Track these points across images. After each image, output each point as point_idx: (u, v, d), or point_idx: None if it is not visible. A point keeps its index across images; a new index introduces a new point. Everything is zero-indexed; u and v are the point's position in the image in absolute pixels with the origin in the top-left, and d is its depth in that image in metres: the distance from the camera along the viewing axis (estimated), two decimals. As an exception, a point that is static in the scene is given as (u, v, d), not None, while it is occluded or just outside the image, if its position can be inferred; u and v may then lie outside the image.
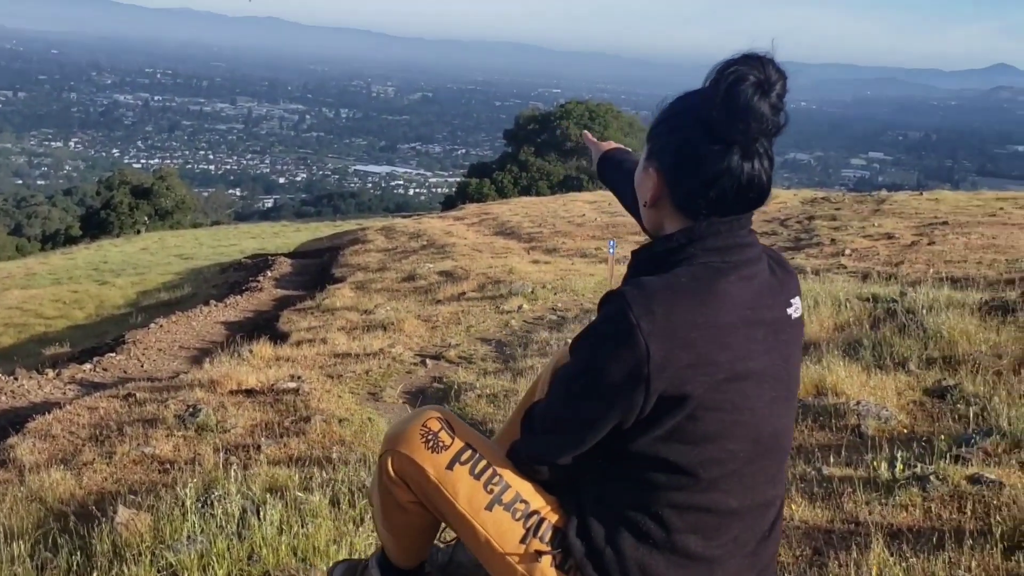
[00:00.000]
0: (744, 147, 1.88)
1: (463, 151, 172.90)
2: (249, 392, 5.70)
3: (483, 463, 2.06)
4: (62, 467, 4.43)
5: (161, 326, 11.93)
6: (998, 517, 3.01)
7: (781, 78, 1.86)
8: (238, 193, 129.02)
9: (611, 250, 9.38)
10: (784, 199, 21.90)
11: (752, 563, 1.99)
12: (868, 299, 6.56)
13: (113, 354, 9.83)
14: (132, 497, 3.73)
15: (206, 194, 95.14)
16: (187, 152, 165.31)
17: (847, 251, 12.24)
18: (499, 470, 2.06)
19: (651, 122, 2.01)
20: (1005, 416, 3.92)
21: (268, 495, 3.46)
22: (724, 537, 1.94)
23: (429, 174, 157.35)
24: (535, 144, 49.85)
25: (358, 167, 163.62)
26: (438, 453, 2.08)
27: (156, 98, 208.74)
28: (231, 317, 13.66)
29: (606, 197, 26.54)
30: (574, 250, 16.50)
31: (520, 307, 10.00)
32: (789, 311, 1.99)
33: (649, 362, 1.80)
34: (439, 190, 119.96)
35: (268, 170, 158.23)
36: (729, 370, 1.86)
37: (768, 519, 2.02)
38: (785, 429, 2.03)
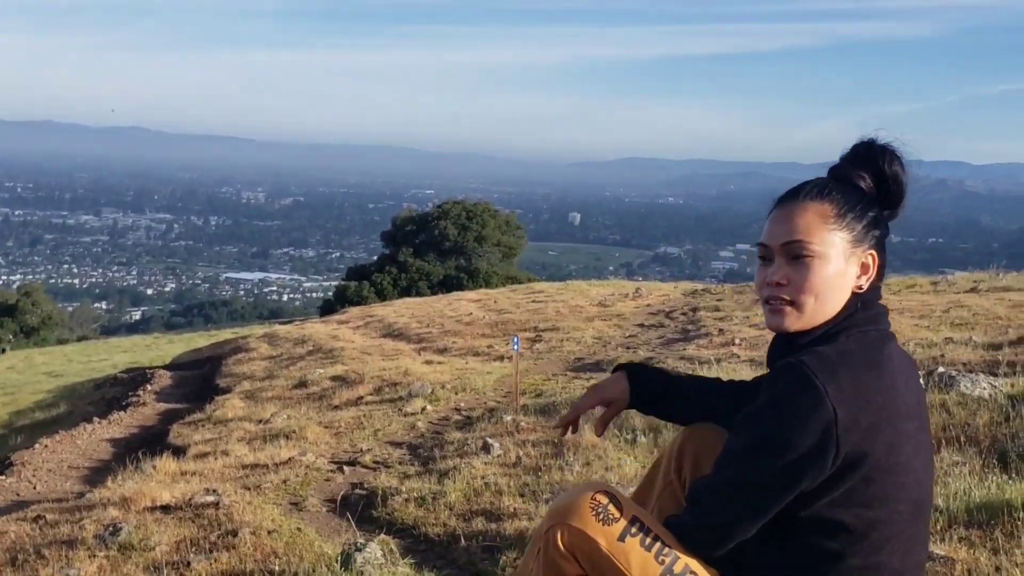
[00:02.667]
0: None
1: (338, 254, 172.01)
2: (165, 508, 5.52)
3: (652, 535, 2.12)
4: (-16, 596, 4.22)
5: (46, 446, 11.46)
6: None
7: None
8: (104, 306, 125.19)
9: (515, 347, 9.46)
10: (666, 291, 22.40)
11: None
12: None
13: (2, 476, 9.41)
14: (76, 623, 3.57)
15: (71, 309, 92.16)
16: (50, 266, 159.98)
17: (736, 340, 12.56)
18: (667, 543, 2.12)
19: (832, 211, 2.15)
20: (938, 495, 4.07)
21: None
22: None
23: (303, 279, 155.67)
24: (413, 245, 50.01)
25: (229, 275, 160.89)
26: (609, 525, 2.12)
27: (17, 212, 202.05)
28: (116, 434, 13.21)
29: (491, 295, 26.69)
30: (466, 349, 16.50)
31: (423, 409, 9.95)
32: (921, 381, 2.17)
33: (838, 425, 1.92)
34: (314, 295, 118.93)
35: (135, 281, 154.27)
36: (900, 432, 1.99)
37: None
38: (932, 493, 2.18)
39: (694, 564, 2.10)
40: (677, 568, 2.09)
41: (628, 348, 14.06)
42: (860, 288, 2.13)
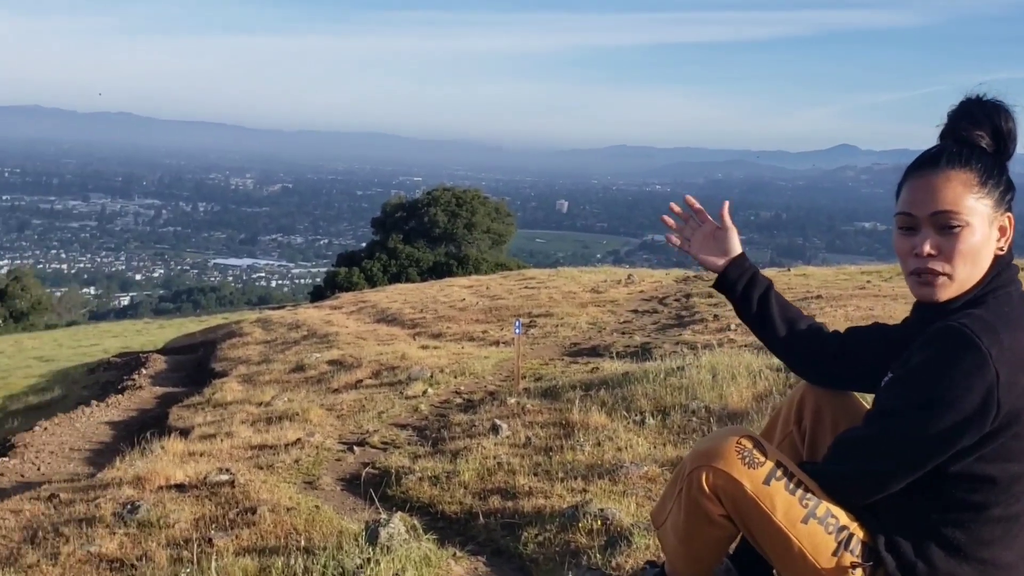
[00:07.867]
0: None
1: (326, 241, 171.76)
2: (180, 487, 5.56)
3: (795, 480, 2.19)
4: (10, 569, 4.25)
5: (45, 428, 11.48)
6: None
7: None
8: (92, 292, 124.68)
9: (517, 330, 9.51)
10: (658, 278, 22.44)
11: None
12: (779, 369, 6.83)
13: (5, 458, 9.44)
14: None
15: (59, 294, 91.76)
16: (38, 252, 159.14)
17: (732, 326, 12.62)
18: (810, 488, 2.19)
19: (975, 179, 2.15)
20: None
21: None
22: (1019, 544, 2.11)
23: (292, 265, 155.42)
24: (403, 231, 50.05)
25: (218, 261, 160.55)
26: (754, 469, 2.20)
27: (4, 197, 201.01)
28: (115, 417, 13.24)
29: (483, 281, 26.69)
30: (460, 334, 16.55)
31: (425, 392, 10.00)
32: None
33: (999, 386, 1.97)
34: (303, 281, 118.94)
35: (124, 267, 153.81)
36: None
37: None
38: None
39: (835, 509, 2.17)
40: (819, 512, 2.15)
41: (623, 333, 14.12)
42: (1001, 250, 2.18)
